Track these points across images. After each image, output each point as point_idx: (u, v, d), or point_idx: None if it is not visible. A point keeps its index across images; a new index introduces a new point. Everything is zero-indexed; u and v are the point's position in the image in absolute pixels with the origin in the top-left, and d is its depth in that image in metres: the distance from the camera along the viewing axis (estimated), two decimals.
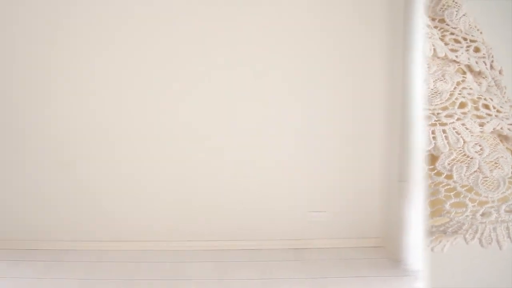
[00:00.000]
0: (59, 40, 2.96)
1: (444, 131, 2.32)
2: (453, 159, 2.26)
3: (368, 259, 2.97)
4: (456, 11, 2.54)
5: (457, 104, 2.39)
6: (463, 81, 2.42)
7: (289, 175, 3.09)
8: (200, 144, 3.04)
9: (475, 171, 2.18)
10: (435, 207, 2.27)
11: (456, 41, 2.54)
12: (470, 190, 2.14)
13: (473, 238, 2.22)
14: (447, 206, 2.19)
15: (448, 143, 2.28)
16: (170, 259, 2.95)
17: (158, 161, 3.01)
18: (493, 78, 2.52)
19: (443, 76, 2.49)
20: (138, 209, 3.08)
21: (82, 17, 2.94)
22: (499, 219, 2.12)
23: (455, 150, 2.25)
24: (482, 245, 2.19)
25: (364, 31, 2.99)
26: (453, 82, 2.41)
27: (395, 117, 2.91)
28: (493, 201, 2.07)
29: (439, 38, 2.50)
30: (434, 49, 2.40)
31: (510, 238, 2.16)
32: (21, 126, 3.00)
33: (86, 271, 2.76)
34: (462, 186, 2.17)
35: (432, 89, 2.45)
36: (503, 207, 2.07)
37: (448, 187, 2.20)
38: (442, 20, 2.59)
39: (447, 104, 2.39)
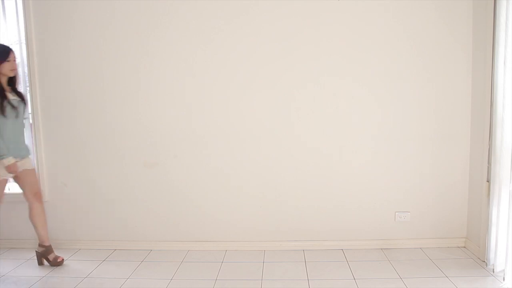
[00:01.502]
0: (150, 51, 3.23)
1: None
2: None
3: (453, 259, 3.04)
4: None
5: None
6: None
7: (375, 176, 3.24)
8: (293, 147, 3.23)
9: None
10: None
11: None
12: None
13: None
14: None
15: None
16: (256, 259, 3.17)
17: (248, 162, 3.28)
18: None
19: None
20: (225, 210, 3.33)
21: (173, 30, 3.20)
22: None
23: None
24: None
25: (449, 32, 3.06)
26: None
27: (481, 117, 2.89)
28: None
29: None
30: None
31: None
32: (114, 129, 3.31)
33: (172, 271, 2.99)
34: None
35: None
36: None
37: None
38: None
39: None
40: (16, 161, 2.89)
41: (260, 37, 3.12)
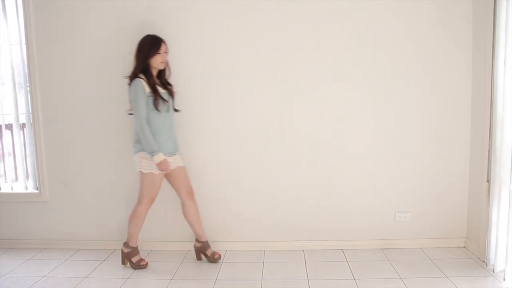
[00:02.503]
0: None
1: None
2: None
3: (453, 259, 3.03)
4: None
5: None
6: None
7: (375, 176, 3.23)
8: (292, 147, 3.23)
9: None
10: None
11: None
12: None
13: None
14: None
15: None
16: (256, 259, 3.16)
17: (248, 162, 3.27)
18: None
19: None
20: (225, 210, 3.32)
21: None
22: None
23: None
24: None
25: (449, 32, 3.06)
26: None
27: (481, 117, 2.90)
28: None
29: None
30: None
31: None
32: (113, 130, 3.24)
33: (172, 271, 2.98)
34: None
35: None
36: None
37: None
38: None
39: None
40: (170, 156, 2.86)
41: (263, 37, 3.12)
